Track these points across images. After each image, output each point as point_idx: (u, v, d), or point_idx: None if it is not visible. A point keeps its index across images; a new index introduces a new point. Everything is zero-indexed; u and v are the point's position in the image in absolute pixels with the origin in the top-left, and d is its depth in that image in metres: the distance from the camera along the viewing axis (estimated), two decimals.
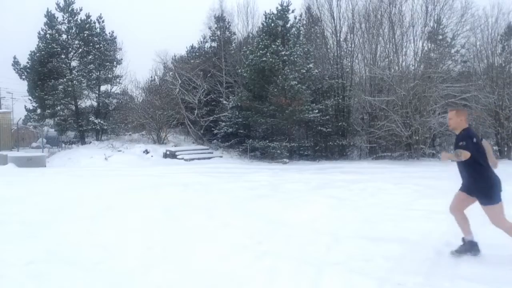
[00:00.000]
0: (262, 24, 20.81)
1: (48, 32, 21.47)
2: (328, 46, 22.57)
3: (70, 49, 22.32)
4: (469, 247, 3.84)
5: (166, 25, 74.33)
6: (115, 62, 23.77)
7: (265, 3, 21.83)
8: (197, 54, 26.40)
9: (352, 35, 21.86)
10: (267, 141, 20.08)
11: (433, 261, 3.85)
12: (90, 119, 22.06)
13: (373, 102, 19.64)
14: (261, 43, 19.38)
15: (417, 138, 18.38)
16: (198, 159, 18.80)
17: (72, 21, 22.17)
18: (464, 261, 3.79)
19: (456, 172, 4.00)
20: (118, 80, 24.18)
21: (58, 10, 21.86)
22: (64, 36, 22.15)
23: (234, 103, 21.17)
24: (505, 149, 20.04)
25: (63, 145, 22.67)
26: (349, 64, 22.09)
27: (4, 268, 3.66)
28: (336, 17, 21.68)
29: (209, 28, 25.83)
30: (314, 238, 4.71)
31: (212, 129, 23.51)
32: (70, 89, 21.05)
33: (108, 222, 5.57)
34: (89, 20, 22.39)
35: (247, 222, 5.59)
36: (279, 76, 18.51)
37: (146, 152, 19.20)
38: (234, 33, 26.33)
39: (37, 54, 21.19)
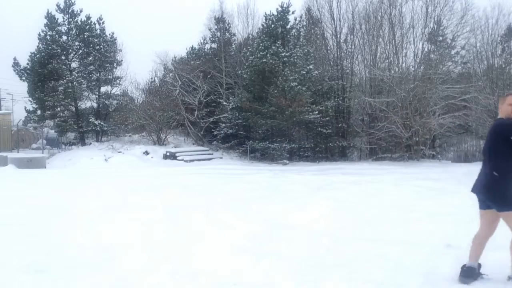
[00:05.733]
0: (262, 25, 20.81)
1: (48, 33, 21.46)
2: (328, 48, 22.57)
3: (70, 50, 22.30)
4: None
5: (166, 27, 74.54)
6: (115, 64, 23.74)
7: (265, 5, 21.88)
8: (197, 55, 26.37)
9: (352, 36, 21.88)
10: (267, 142, 20.05)
11: (434, 262, 3.84)
12: (90, 120, 22.03)
13: (373, 103, 19.64)
14: (261, 44, 19.38)
15: (417, 139, 18.37)
16: (198, 160, 18.78)
17: (72, 23, 22.17)
18: (465, 263, 3.78)
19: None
20: (118, 81, 24.13)
21: (58, 11, 21.86)
22: (64, 38, 22.13)
23: (234, 104, 21.15)
24: None
25: (63, 146, 22.69)
26: (349, 65, 22.10)
27: (4, 269, 3.65)
28: (336, 19, 21.70)
29: (209, 29, 25.82)
30: (314, 239, 4.71)
31: (212, 130, 23.49)
32: (70, 90, 21.03)
33: (108, 223, 5.56)
34: (89, 21, 22.39)
35: (247, 223, 5.58)
36: (279, 77, 18.50)
37: (146, 153, 19.19)
38: (234, 34, 26.31)
39: (37, 56, 21.18)
